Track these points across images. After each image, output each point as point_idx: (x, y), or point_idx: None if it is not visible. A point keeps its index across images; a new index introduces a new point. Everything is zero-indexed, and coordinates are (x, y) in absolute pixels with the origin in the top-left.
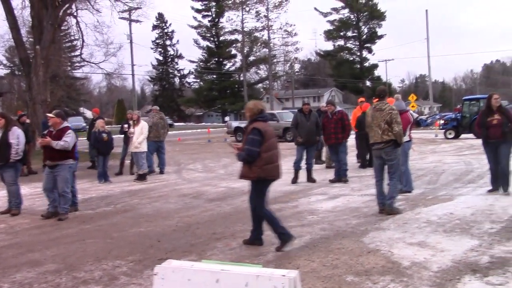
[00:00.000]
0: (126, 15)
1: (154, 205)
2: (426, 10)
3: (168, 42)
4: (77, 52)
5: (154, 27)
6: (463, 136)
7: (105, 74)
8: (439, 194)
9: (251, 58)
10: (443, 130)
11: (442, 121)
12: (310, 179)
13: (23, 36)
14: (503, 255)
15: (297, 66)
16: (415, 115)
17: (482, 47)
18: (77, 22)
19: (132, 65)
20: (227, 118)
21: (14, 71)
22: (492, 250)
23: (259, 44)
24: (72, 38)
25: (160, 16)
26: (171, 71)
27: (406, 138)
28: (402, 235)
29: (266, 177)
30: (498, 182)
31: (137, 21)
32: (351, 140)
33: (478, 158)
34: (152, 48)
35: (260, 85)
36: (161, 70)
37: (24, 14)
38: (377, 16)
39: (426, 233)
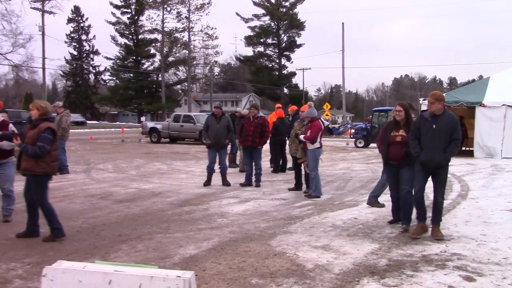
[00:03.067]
0: (38, 5)
1: (58, 205)
2: (343, 23)
3: (84, 37)
4: None
5: (70, 20)
6: (372, 145)
7: (13, 66)
8: (346, 199)
9: (171, 58)
10: (354, 139)
11: (353, 130)
12: (225, 182)
13: None
14: (400, 258)
15: (216, 70)
16: (326, 122)
17: (393, 62)
18: None
19: (43, 58)
20: (143, 118)
21: None
22: (390, 253)
23: (179, 45)
24: None
25: (76, 9)
26: (86, 67)
27: (317, 145)
28: (308, 239)
29: (51, 173)
30: (398, 213)
31: (50, 12)
32: (266, 145)
33: None
34: (66, 42)
35: (178, 86)
36: (75, 65)
37: None
38: (297, 25)
39: (331, 237)
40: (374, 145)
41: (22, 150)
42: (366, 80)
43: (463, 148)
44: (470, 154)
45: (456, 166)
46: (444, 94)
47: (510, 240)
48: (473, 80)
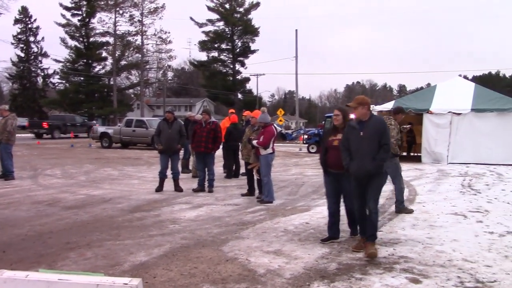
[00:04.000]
0: None
1: (2, 212)
2: (296, 30)
3: (31, 39)
4: None
5: (16, 21)
6: None
7: None
8: (298, 204)
9: (123, 62)
10: (307, 145)
11: (306, 136)
12: (177, 188)
13: None
14: (350, 262)
15: (170, 74)
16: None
17: (345, 69)
18: None
19: None
20: (93, 122)
21: None
22: (340, 257)
23: (131, 48)
24: None
25: (24, 10)
26: (33, 69)
27: (269, 151)
28: (260, 244)
29: None
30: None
31: None
32: (218, 151)
33: None
34: (13, 44)
35: (131, 90)
36: (22, 67)
37: None
38: (251, 31)
39: (283, 242)
40: None
41: None
42: (319, 87)
43: (412, 154)
44: (418, 159)
45: (405, 171)
46: (394, 101)
47: (454, 242)
48: (421, 88)
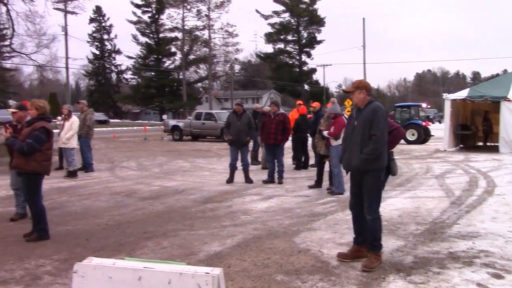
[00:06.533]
0: (61, 5)
1: (84, 203)
2: (363, 19)
3: (105, 36)
4: (7, 42)
5: (91, 20)
6: None
7: (37, 66)
8: None
9: (191, 57)
10: None
11: None
12: (247, 179)
13: None
14: (426, 255)
15: (237, 67)
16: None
17: (415, 57)
18: (8, 10)
19: (67, 58)
20: (164, 116)
21: None
22: (416, 250)
23: (199, 43)
24: (2, 27)
25: (98, 9)
26: (108, 66)
27: (340, 141)
28: (333, 236)
29: (42, 172)
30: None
31: (73, 12)
32: (288, 142)
33: (408, 163)
34: (88, 42)
35: (199, 84)
36: (97, 64)
37: None
38: (317, 21)
39: None
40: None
41: (8, 143)
42: (387, 76)
43: (488, 144)
44: (495, 149)
45: (481, 162)
46: (468, 89)
47: None
48: (497, 75)
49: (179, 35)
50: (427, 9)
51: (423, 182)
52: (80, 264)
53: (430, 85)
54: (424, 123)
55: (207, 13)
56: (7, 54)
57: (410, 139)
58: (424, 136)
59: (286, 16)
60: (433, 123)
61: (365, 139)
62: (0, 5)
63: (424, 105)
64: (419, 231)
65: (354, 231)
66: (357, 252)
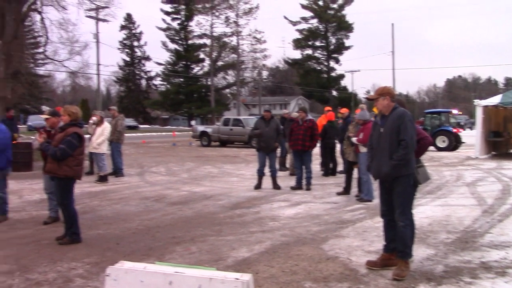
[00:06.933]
0: (93, 13)
1: (114, 207)
2: (392, 24)
3: (135, 43)
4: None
5: (122, 27)
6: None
7: (69, 73)
8: None
9: (219, 63)
10: None
11: None
12: (275, 185)
13: None
14: (457, 265)
15: (265, 73)
16: None
17: (445, 62)
18: (42, 18)
19: (98, 64)
20: (193, 122)
21: None
22: (447, 259)
23: (227, 49)
24: (36, 34)
25: (129, 17)
26: (137, 72)
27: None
28: (361, 243)
29: (74, 177)
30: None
31: (104, 20)
32: (316, 148)
33: (438, 170)
34: (119, 49)
35: (227, 90)
36: (127, 71)
37: None
38: (345, 27)
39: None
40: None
41: (42, 149)
42: (417, 82)
43: None
44: None
45: None
46: (500, 95)
47: None
48: None
49: (208, 41)
50: (458, 14)
51: (454, 189)
52: (113, 268)
53: (461, 91)
54: (454, 130)
55: (236, 20)
56: (41, 61)
57: (441, 146)
58: (454, 143)
59: (314, 22)
60: (464, 129)
61: (393, 145)
62: (35, 14)
63: (454, 111)
64: (450, 239)
65: (385, 239)
66: (387, 260)
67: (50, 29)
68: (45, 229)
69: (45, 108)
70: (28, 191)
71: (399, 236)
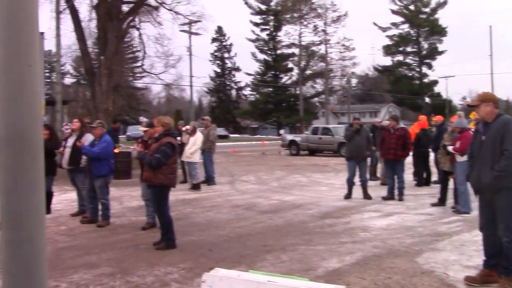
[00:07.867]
0: (186, 28)
1: (207, 214)
2: (490, 26)
3: (226, 55)
4: (139, 63)
5: (213, 40)
6: None
7: (165, 85)
8: None
9: (308, 72)
10: None
11: None
12: (366, 195)
13: (88, 47)
14: None
15: (354, 81)
16: None
17: None
18: (140, 34)
19: (191, 76)
20: (282, 131)
21: (80, 81)
22: None
23: (316, 58)
24: (134, 49)
25: (219, 29)
26: (228, 83)
27: (465, 157)
28: (459, 257)
29: (169, 185)
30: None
31: (196, 33)
32: (408, 157)
33: None
34: (210, 60)
35: (316, 99)
36: (218, 82)
37: (90, 26)
38: (438, 31)
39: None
40: None
41: (139, 157)
42: None
43: None
44: None
45: None
46: None
47: None
48: None
49: (296, 51)
50: None
51: None
52: (208, 275)
53: None
54: None
55: (324, 28)
56: (139, 75)
57: None
58: None
59: (405, 27)
60: None
61: (496, 155)
62: (134, 30)
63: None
64: None
65: (485, 253)
66: (488, 276)
67: (147, 44)
68: (143, 234)
69: (142, 119)
70: (128, 198)
71: (504, 252)
